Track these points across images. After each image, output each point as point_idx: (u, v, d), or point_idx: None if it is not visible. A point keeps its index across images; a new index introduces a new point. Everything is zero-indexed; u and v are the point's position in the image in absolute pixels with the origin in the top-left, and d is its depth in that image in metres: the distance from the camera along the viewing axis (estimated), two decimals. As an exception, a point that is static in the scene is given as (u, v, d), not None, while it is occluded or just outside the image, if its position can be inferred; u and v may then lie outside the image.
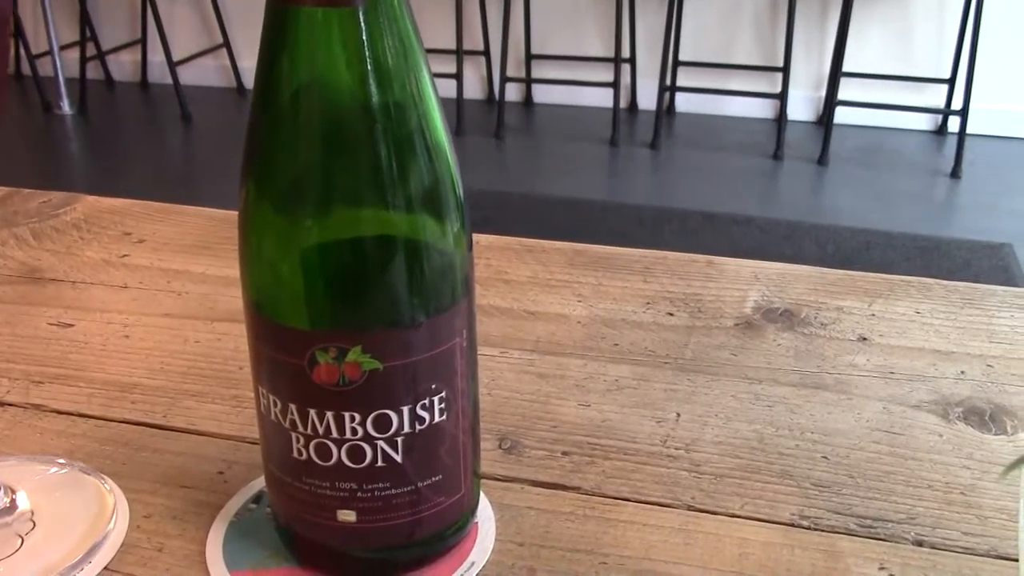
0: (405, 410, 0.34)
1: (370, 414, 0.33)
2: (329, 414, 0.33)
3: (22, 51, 4.42)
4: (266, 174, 0.32)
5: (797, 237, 2.89)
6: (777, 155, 3.44)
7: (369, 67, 0.31)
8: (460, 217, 0.34)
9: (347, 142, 0.31)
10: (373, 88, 0.31)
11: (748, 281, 0.58)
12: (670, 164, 3.51)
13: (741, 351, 0.51)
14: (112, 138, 4.07)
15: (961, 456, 0.43)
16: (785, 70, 3.49)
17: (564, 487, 0.42)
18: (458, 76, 3.81)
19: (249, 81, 4.22)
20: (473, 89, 4.07)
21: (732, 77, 3.76)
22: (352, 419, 0.33)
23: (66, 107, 4.21)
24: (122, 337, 0.54)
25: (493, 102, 4.05)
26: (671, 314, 0.55)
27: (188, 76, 4.00)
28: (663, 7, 3.68)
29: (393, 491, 0.35)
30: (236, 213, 0.67)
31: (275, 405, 0.34)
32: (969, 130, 3.26)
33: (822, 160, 3.38)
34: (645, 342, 0.52)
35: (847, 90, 3.45)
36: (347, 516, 0.35)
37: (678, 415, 0.46)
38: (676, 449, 0.44)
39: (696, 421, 0.46)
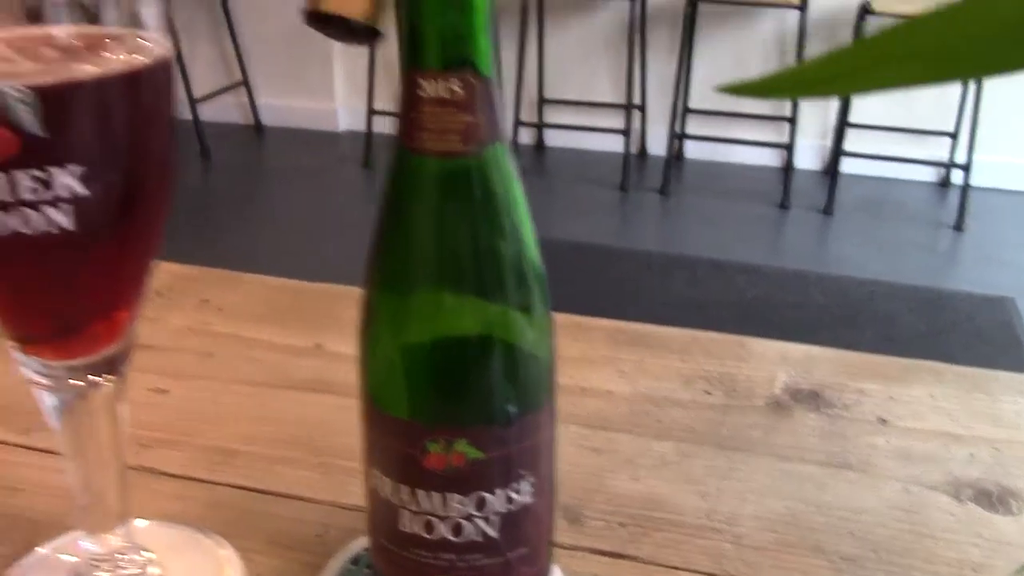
0: (501, 492, 0.39)
1: (471, 495, 0.39)
2: (435, 495, 0.39)
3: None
4: (390, 296, 0.39)
5: (802, 286, 2.96)
6: (784, 204, 3.51)
7: (480, 202, 0.37)
8: (551, 328, 0.40)
9: (461, 267, 0.38)
10: (483, 218, 0.37)
11: (776, 362, 0.64)
12: (679, 210, 3.59)
13: (772, 430, 0.57)
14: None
15: (971, 535, 0.49)
16: (792, 120, 3.58)
17: (623, 555, 0.47)
18: (472, 119, 3.88)
19: (267, 118, 4.30)
20: (486, 131, 4.14)
21: (740, 126, 3.84)
22: (455, 499, 0.39)
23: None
24: (213, 404, 0.60)
25: (505, 144, 4.12)
26: (708, 393, 0.61)
27: (208, 113, 4.08)
28: (673, 55, 3.77)
29: (486, 562, 0.40)
30: (298, 283, 0.73)
31: (387, 484, 0.40)
32: (973, 183, 3.34)
33: (828, 209, 3.46)
34: (686, 420, 0.58)
35: (853, 141, 3.53)
36: (446, 582, 0.41)
37: (719, 490, 0.52)
38: (719, 522, 0.50)
39: (735, 496, 0.52)
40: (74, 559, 0.44)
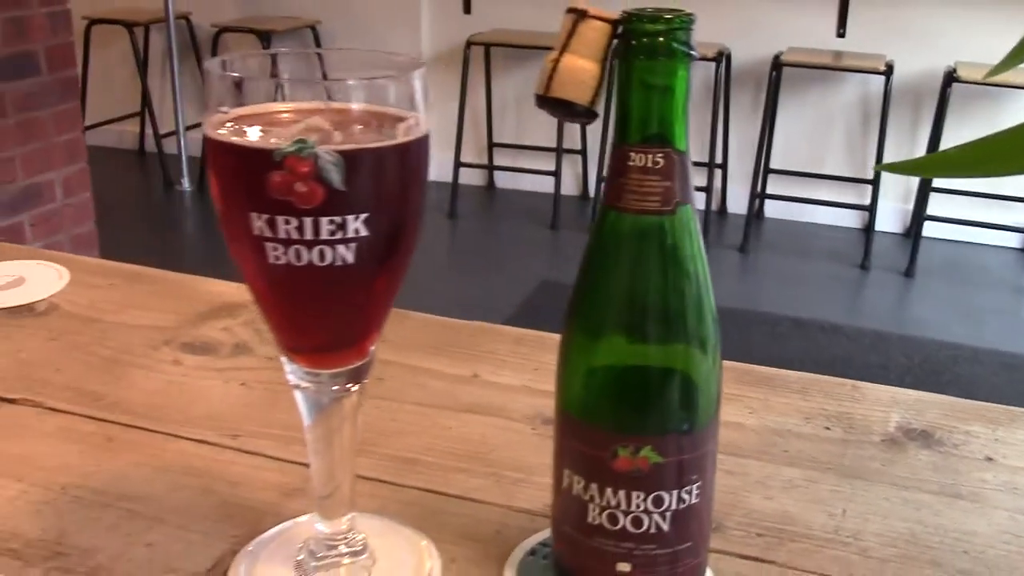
0: (675, 493, 0.47)
1: (651, 494, 0.47)
2: (621, 492, 0.47)
3: (148, 130, 4.74)
4: (595, 329, 0.47)
5: (884, 347, 2.98)
6: (864, 265, 3.54)
7: (673, 252, 0.46)
8: (719, 360, 0.48)
9: (650, 304, 0.46)
10: (675, 266, 0.46)
11: (888, 404, 0.71)
12: (758, 268, 3.64)
13: (889, 463, 0.64)
14: (225, 214, 4.33)
15: (1074, 558, 0.55)
16: (875, 182, 3.61)
17: (763, 560, 0.55)
18: (556, 173, 4.00)
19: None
20: (568, 186, 4.25)
21: (821, 187, 3.89)
22: (637, 497, 0.47)
23: (186, 184, 4.49)
24: (391, 420, 0.68)
25: (587, 198, 4.23)
26: (828, 428, 0.68)
27: (302, 161, 4.24)
28: (756, 116, 3.85)
29: (658, 551, 0.48)
30: (453, 320, 0.82)
31: (578, 483, 0.48)
32: (1057, 250, 3.34)
33: (909, 272, 3.48)
34: (809, 450, 0.65)
35: (936, 205, 3.55)
36: (623, 567, 0.49)
37: (844, 511, 0.59)
38: (846, 537, 0.57)
39: (859, 516, 0.59)
40: (305, 537, 0.53)
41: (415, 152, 0.44)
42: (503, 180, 4.41)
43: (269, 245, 0.42)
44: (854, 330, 3.06)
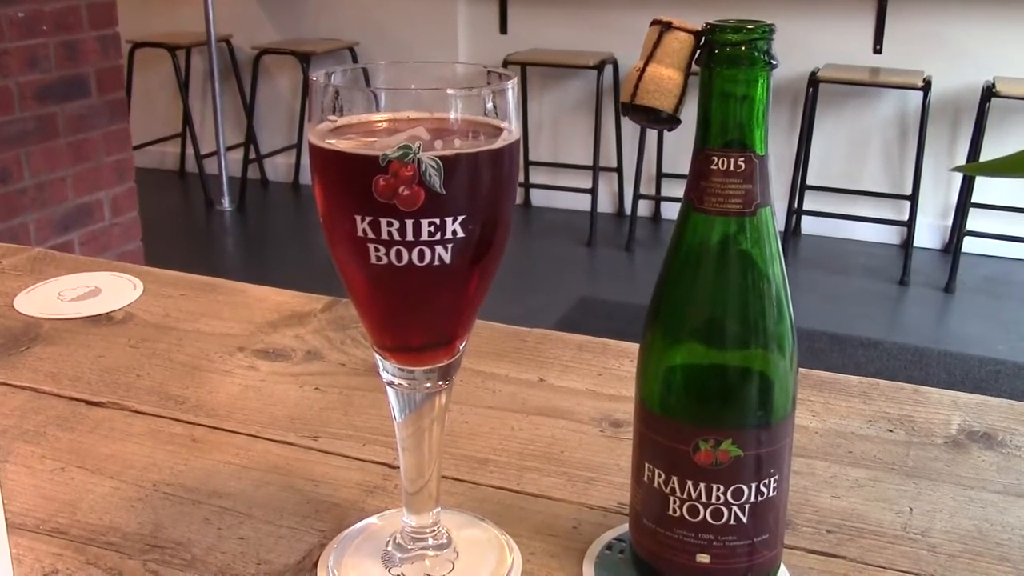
0: (753, 485, 0.49)
1: (730, 486, 0.49)
2: (702, 485, 0.49)
3: (189, 151, 4.81)
4: (679, 327, 0.49)
5: (925, 363, 2.97)
6: (903, 281, 3.53)
7: (753, 251, 0.47)
8: (796, 357, 0.50)
9: (731, 304, 0.48)
10: (755, 265, 0.48)
11: (950, 408, 0.72)
12: (796, 284, 3.62)
13: (952, 463, 0.65)
14: (265, 233, 4.39)
15: None
16: (913, 198, 3.60)
17: (834, 555, 0.56)
18: (593, 191, 4.02)
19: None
20: (605, 203, 4.27)
21: (859, 203, 3.88)
22: (717, 489, 0.49)
23: (226, 204, 4.55)
24: (463, 423, 0.71)
25: (623, 216, 4.25)
26: (890, 431, 0.69)
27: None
28: (793, 133, 3.85)
29: (737, 543, 0.50)
30: (519, 328, 0.84)
31: (659, 476, 0.50)
32: (1100, 266, 3.31)
33: (949, 288, 3.46)
34: (873, 452, 0.67)
35: (975, 220, 3.53)
36: (703, 558, 0.50)
37: (911, 509, 0.60)
38: (915, 534, 0.58)
39: (926, 514, 0.60)
40: (389, 531, 0.55)
41: (507, 157, 0.47)
42: (539, 198, 4.43)
43: (372, 246, 0.45)
44: (894, 346, 3.05)
